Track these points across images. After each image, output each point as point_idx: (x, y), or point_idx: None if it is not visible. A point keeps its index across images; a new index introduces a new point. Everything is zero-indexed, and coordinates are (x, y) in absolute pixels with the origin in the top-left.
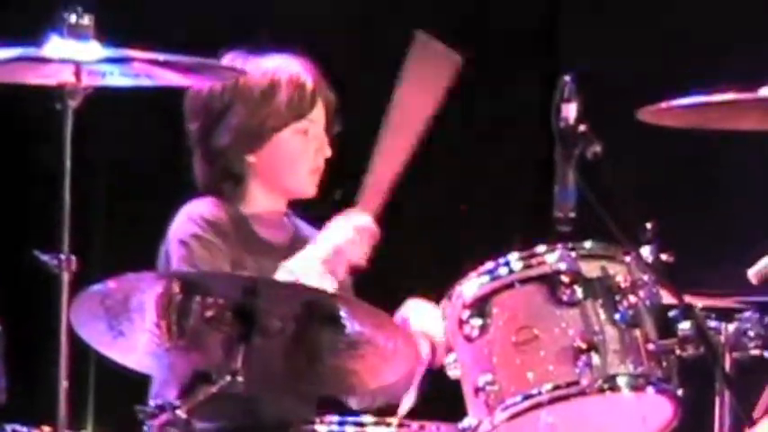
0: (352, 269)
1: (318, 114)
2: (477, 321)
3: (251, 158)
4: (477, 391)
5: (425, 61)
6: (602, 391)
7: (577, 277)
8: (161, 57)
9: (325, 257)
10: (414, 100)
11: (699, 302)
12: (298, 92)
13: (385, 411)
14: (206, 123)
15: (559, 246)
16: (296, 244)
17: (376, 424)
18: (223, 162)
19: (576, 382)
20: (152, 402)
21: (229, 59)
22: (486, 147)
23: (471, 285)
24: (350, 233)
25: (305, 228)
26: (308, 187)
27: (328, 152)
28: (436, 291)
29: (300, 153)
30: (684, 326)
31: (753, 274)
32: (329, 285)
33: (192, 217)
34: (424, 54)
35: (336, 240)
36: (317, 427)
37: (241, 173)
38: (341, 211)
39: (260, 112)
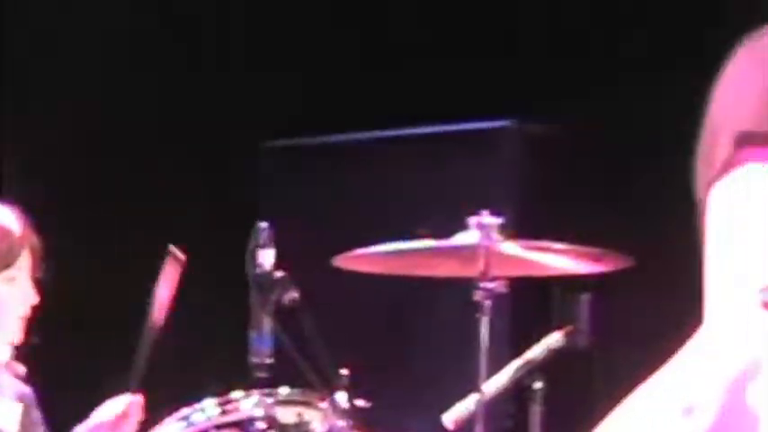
0: None
1: (25, 262)
2: None
3: None
4: None
5: (172, 269)
6: None
7: (273, 423)
8: None
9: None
10: (165, 299)
11: None
12: (5, 241)
13: None
14: None
15: (255, 392)
16: None
17: None
18: None
19: None
20: None
21: None
22: None
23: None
24: (119, 411)
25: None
26: (15, 335)
27: (35, 298)
28: None
29: (8, 301)
30: None
31: (448, 419)
32: None
33: None
34: (173, 265)
35: (102, 418)
36: None
37: None
38: None
39: None
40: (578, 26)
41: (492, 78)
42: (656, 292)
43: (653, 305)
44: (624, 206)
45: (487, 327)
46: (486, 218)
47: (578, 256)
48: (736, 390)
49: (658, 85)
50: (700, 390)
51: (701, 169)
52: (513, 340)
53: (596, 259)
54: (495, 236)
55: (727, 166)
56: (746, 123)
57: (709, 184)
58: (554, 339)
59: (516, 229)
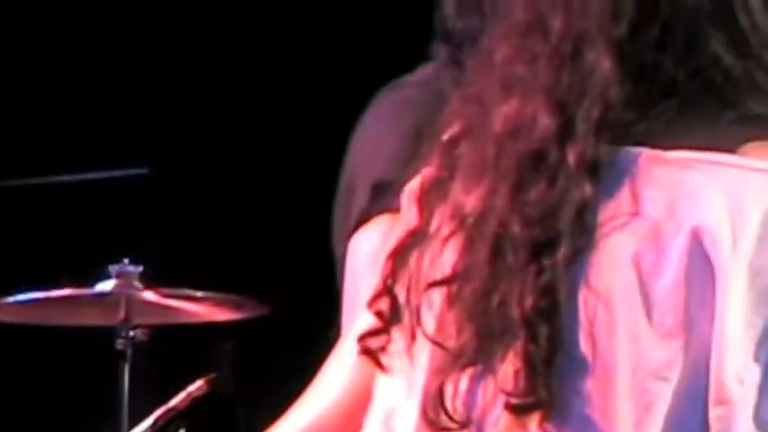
0: None
1: None
2: None
3: None
4: None
5: None
6: None
7: None
8: None
9: None
10: None
11: None
12: None
13: None
14: None
15: None
16: None
17: None
18: None
19: None
20: None
21: None
22: None
23: None
24: None
25: None
26: None
27: None
28: None
29: None
30: None
31: None
32: None
33: None
34: None
35: None
36: None
37: None
38: None
39: None
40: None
41: (129, 128)
42: (296, 336)
43: (294, 350)
44: (262, 253)
45: (129, 375)
46: (127, 266)
47: (218, 303)
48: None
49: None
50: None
51: (339, 223)
52: (156, 388)
53: (236, 307)
54: (136, 284)
55: (365, 217)
56: (382, 174)
57: (348, 237)
58: (196, 387)
59: (157, 278)
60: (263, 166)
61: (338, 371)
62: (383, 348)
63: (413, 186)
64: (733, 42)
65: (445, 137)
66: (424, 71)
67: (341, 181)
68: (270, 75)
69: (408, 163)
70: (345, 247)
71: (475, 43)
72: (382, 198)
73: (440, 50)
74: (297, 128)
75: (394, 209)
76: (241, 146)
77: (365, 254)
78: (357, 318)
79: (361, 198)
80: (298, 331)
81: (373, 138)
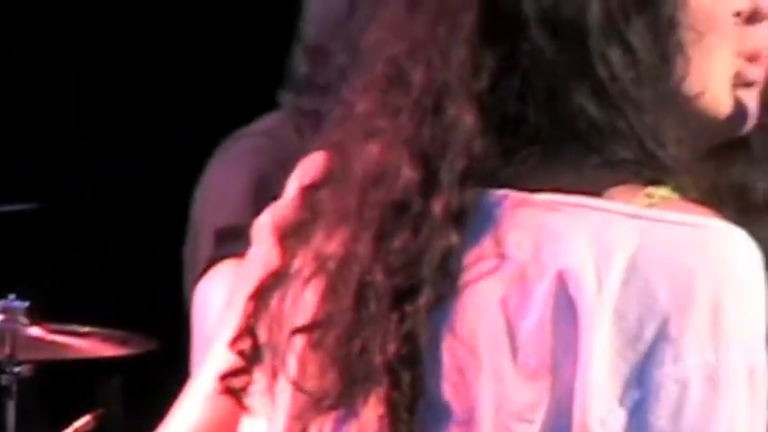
0: None
1: None
2: None
3: None
4: None
5: None
6: None
7: None
8: None
9: None
10: None
11: None
12: None
13: None
14: None
15: None
16: None
17: None
18: None
19: None
20: None
21: None
22: None
23: None
24: None
25: None
26: None
27: None
28: None
29: None
30: None
31: None
32: None
33: None
34: None
35: None
36: None
37: None
38: None
39: None
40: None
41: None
42: (184, 371)
43: (183, 386)
44: (148, 287)
45: (15, 411)
46: (12, 302)
47: (105, 338)
48: None
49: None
50: None
51: (187, 268)
52: (43, 424)
53: (123, 342)
54: (22, 319)
55: (210, 263)
56: (227, 220)
57: (194, 283)
58: (83, 422)
59: (43, 313)
60: (147, 196)
61: (191, 411)
62: (245, 389)
63: (264, 221)
64: (594, 92)
65: (306, 181)
66: (268, 120)
67: (188, 228)
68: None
69: (251, 210)
70: (192, 293)
71: (326, 95)
72: (227, 245)
73: (286, 99)
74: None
75: (239, 255)
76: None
77: (215, 301)
78: (207, 360)
79: (206, 244)
80: (186, 366)
81: (217, 185)
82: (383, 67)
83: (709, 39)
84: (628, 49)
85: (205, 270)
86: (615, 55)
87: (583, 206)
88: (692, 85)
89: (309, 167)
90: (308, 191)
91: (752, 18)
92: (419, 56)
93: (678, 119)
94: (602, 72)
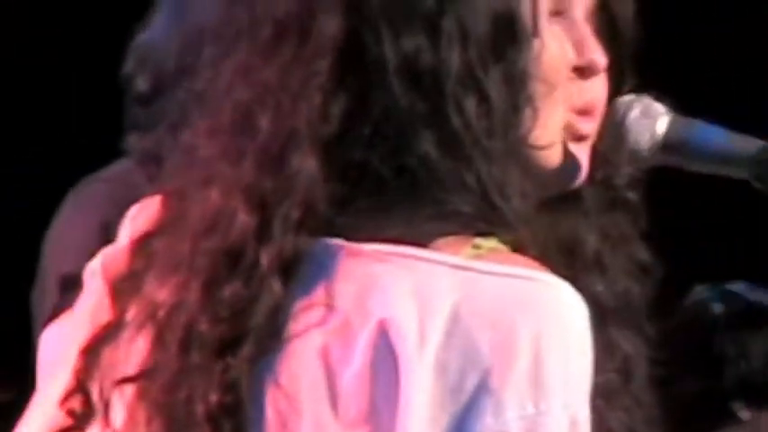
0: None
1: None
2: None
3: None
4: None
5: None
6: None
7: None
8: None
9: None
10: None
11: None
12: None
13: None
14: None
15: None
16: None
17: None
18: None
19: None
20: None
21: None
22: None
23: None
24: None
25: None
26: None
27: None
28: None
29: None
30: None
31: None
32: None
33: None
34: None
35: None
36: None
37: None
38: None
39: None
40: None
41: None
42: None
43: None
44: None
45: None
46: None
47: None
48: None
49: None
50: None
51: (35, 316)
52: None
53: None
54: None
55: (55, 312)
56: (71, 268)
57: (41, 331)
58: None
59: None
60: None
61: None
62: None
63: (95, 268)
64: (443, 142)
65: (140, 228)
66: (117, 167)
67: (37, 276)
68: None
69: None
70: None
71: (173, 140)
72: (72, 292)
73: (131, 144)
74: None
75: None
76: None
77: (52, 351)
78: (31, 418)
79: (52, 292)
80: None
81: (63, 232)
82: (230, 113)
83: (556, 92)
84: (484, 98)
85: (50, 318)
86: (471, 104)
87: (409, 257)
88: (537, 137)
89: (143, 214)
90: (142, 238)
91: (586, 72)
92: (269, 102)
93: (523, 171)
94: (456, 121)
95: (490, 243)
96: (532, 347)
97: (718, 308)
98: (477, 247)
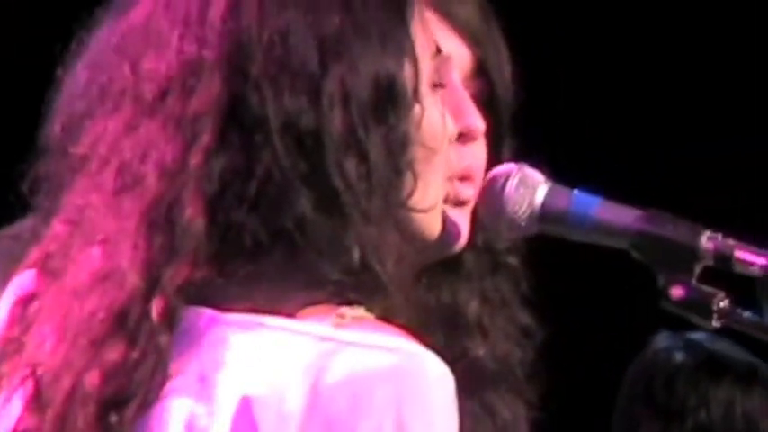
0: None
1: None
2: None
3: None
4: None
5: None
6: None
7: None
8: None
9: None
10: None
11: None
12: None
13: None
14: None
15: None
16: None
17: None
18: None
19: None
20: None
21: None
22: None
23: None
24: None
25: None
26: None
27: None
28: None
29: None
30: None
31: None
32: None
33: None
34: None
35: None
36: None
37: None
38: None
39: None
40: None
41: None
42: None
43: None
44: None
45: None
46: None
47: None
48: None
49: None
50: None
51: None
52: None
53: None
54: None
55: None
56: None
57: None
58: None
59: None
60: None
61: None
62: None
63: None
64: (322, 202)
65: (21, 292)
66: (24, 223)
67: None
68: None
69: None
70: None
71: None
72: None
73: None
74: None
75: None
76: None
77: None
78: None
79: None
80: None
81: None
82: (115, 175)
83: (436, 158)
84: (364, 159)
85: None
86: (351, 165)
87: (273, 327)
88: (417, 201)
89: (24, 277)
90: (23, 301)
91: (464, 138)
92: (152, 159)
93: (402, 234)
94: (336, 181)
95: (356, 312)
96: (395, 418)
97: (680, 356)
98: (341, 316)
